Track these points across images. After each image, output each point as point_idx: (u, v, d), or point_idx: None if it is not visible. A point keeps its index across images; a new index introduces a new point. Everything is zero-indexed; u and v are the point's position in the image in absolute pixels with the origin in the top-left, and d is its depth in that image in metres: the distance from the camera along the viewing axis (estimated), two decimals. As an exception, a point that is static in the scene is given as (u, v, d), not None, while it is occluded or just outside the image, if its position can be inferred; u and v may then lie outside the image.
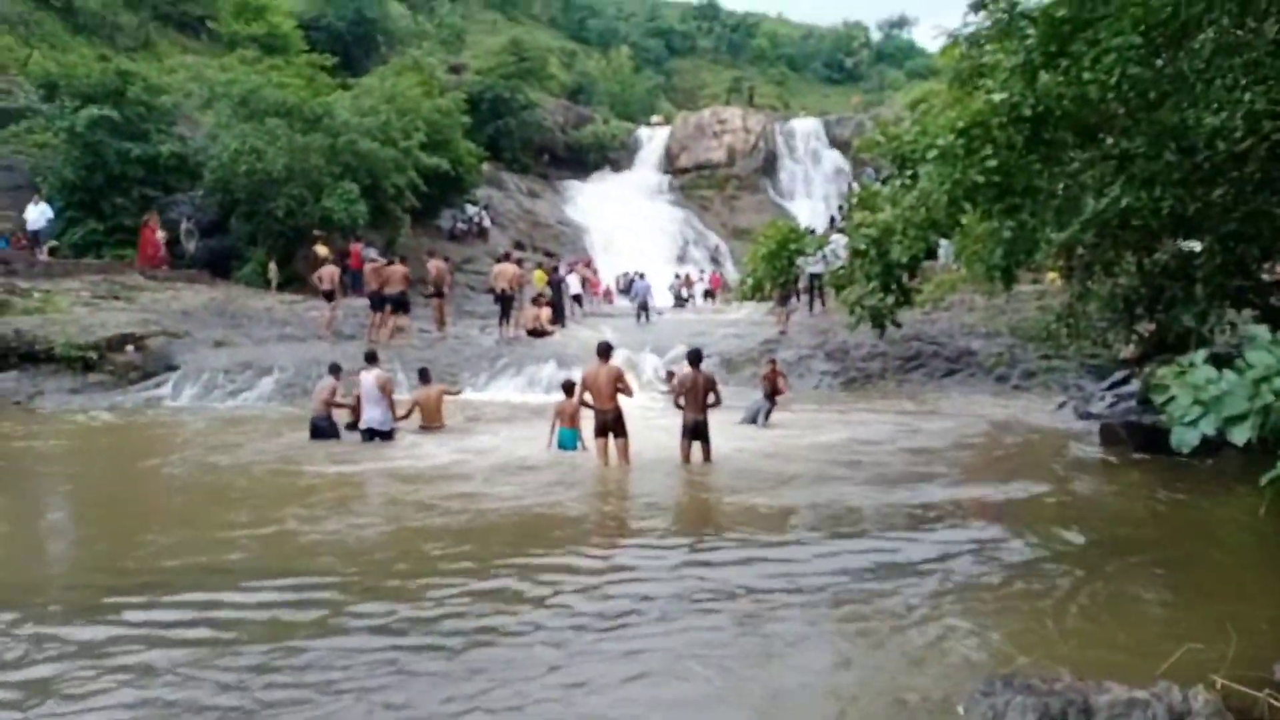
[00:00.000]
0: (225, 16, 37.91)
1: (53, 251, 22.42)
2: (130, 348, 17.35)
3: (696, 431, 10.18)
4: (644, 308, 23.85)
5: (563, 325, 21.06)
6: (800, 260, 15.85)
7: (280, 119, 24.88)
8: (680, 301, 32.10)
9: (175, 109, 25.88)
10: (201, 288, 22.48)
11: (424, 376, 13.42)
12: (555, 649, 4.94)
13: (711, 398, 10.13)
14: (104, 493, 9.71)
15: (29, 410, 15.41)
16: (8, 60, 27.80)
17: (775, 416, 13.20)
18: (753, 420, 13.11)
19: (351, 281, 24.21)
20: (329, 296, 20.13)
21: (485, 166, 36.71)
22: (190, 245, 24.95)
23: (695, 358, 10.43)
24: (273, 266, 24.98)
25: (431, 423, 12.83)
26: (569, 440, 11.22)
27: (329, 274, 20.25)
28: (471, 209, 35.24)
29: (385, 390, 12.36)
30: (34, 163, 24.25)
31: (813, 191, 44.21)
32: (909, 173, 10.37)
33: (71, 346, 16.82)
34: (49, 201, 22.66)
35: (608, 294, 32.52)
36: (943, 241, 11.31)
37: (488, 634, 5.17)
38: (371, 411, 12.31)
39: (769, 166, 45.94)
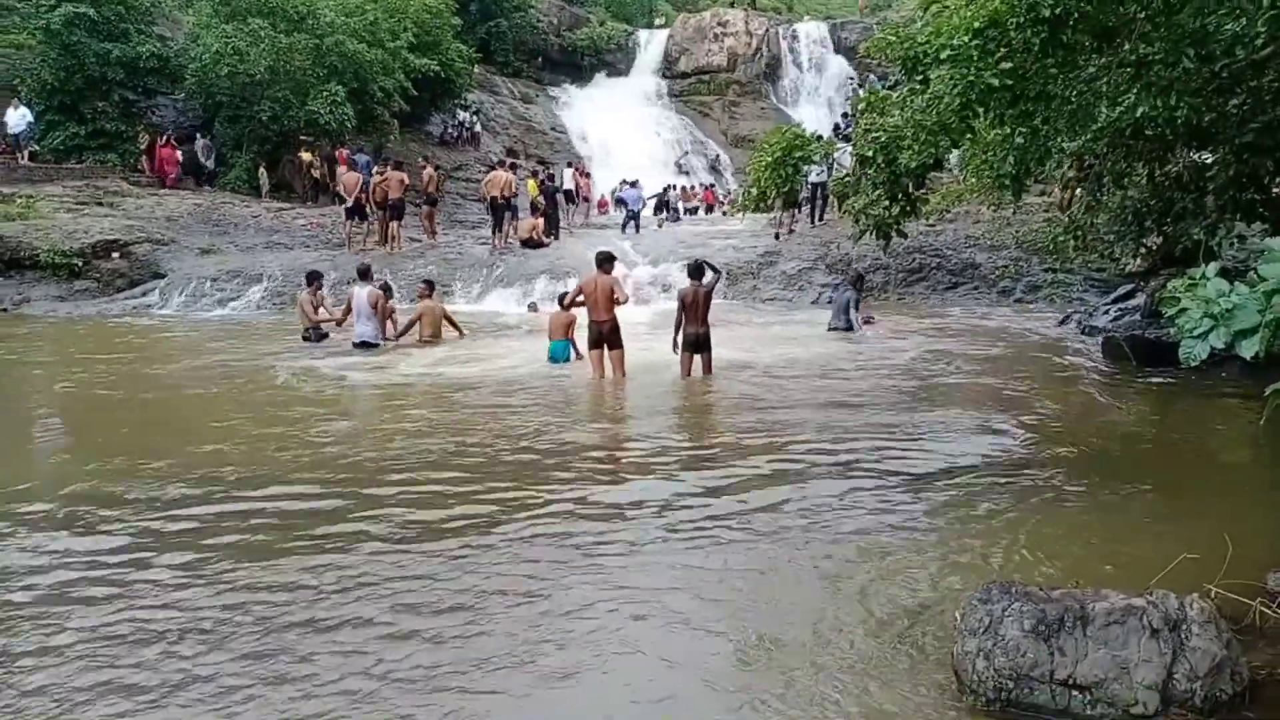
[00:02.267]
0: (205, -92, 36.34)
1: (33, 156, 21.84)
2: (116, 255, 17.06)
3: (698, 344, 10.01)
4: (633, 217, 23.39)
5: (556, 236, 20.68)
6: (804, 168, 15.43)
7: (263, 18, 24.01)
8: (665, 211, 30.14)
9: (155, 7, 24.87)
10: (187, 194, 21.99)
11: (430, 288, 13.17)
12: (535, 575, 4.82)
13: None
14: (90, 401, 9.53)
15: (15, 317, 15.18)
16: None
17: (776, 330, 13.00)
18: (848, 326, 12.96)
19: (323, 189, 24.11)
20: (355, 211, 18.86)
21: (476, 69, 35.67)
22: (209, 163, 24.38)
23: (695, 270, 10.19)
24: (263, 172, 24.48)
25: (435, 337, 12.63)
26: (560, 352, 11.06)
27: (352, 183, 18.77)
28: (463, 114, 34.38)
29: (378, 307, 12.20)
30: (10, 64, 23.42)
31: (817, 98, 43.12)
32: (919, 76, 9.93)
33: (56, 253, 16.54)
34: (28, 105, 21.99)
35: (602, 204, 31.91)
36: (951, 150, 10.92)
37: (468, 558, 5.05)
38: (363, 326, 12.19)
39: (772, 72, 44.70)
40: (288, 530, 5.42)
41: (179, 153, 23.72)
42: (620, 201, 25.92)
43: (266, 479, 6.39)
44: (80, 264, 16.66)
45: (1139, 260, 13.53)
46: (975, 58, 8.29)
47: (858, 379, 9.93)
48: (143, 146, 23.71)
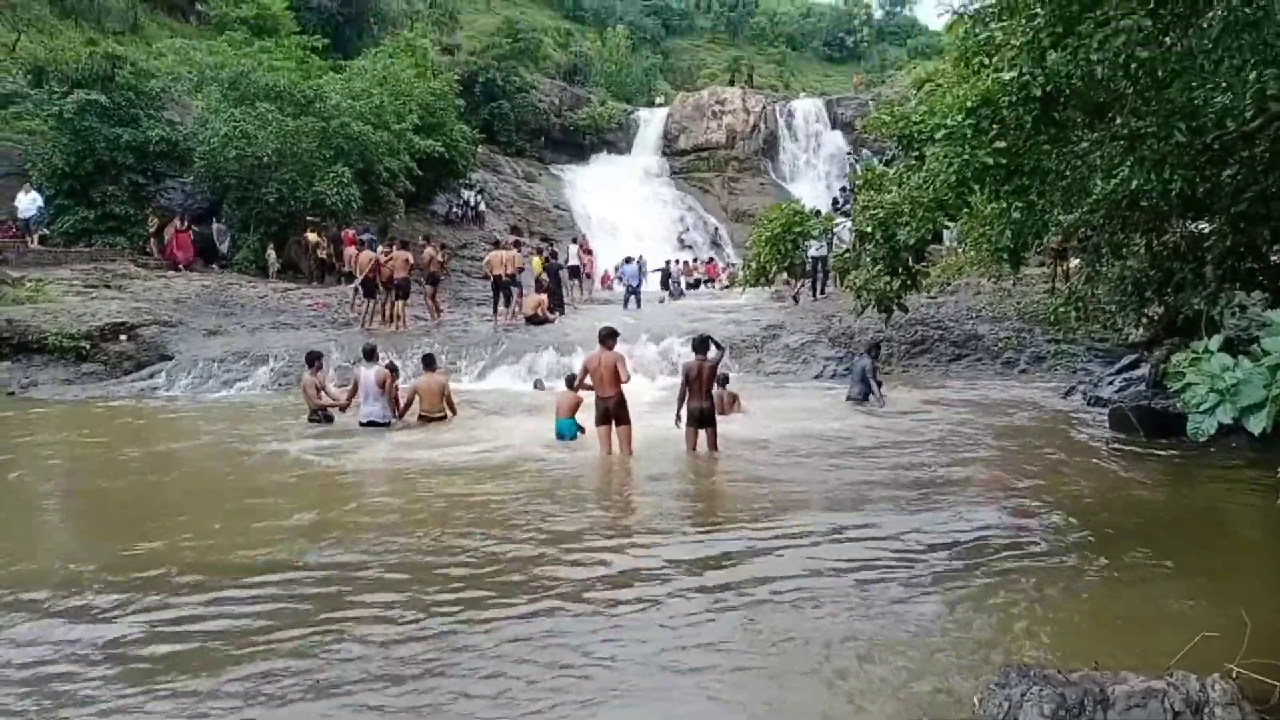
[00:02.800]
0: (215, -1, 37.49)
1: (43, 240, 22.15)
2: (123, 337, 17.17)
3: (702, 419, 10.01)
4: (634, 292, 23.58)
5: (561, 313, 20.83)
6: (804, 243, 15.62)
7: (271, 102, 24.56)
8: (670, 286, 30.53)
9: (164, 93, 25.48)
10: (195, 276, 22.24)
11: (428, 363, 13.09)
12: (561, 644, 4.76)
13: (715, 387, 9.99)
14: (96, 486, 9.49)
15: (23, 400, 15.22)
16: (-4, 47, 27.47)
17: (774, 404, 13.01)
18: (864, 398, 13.13)
19: (329, 269, 24.64)
20: (367, 288, 19.17)
21: (480, 150, 36.36)
22: (223, 246, 24.73)
23: (700, 344, 10.25)
24: (271, 253, 24.80)
25: (433, 412, 12.59)
26: (567, 429, 11.05)
27: (366, 261, 19.12)
28: (467, 193, 34.93)
29: (385, 387, 12.26)
30: (23, 150, 23.90)
31: (814, 173, 43.87)
32: (915, 153, 10.13)
33: (64, 336, 16.65)
34: (39, 189, 22.39)
35: (605, 279, 32.20)
36: (948, 225, 11.09)
37: (478, 633, 4.99)
38: (371, 406, 12.23)
39: (769, 148, 45.55)
40: (287, 620, 5.35)
41: (190, 235, 24.08)
42: (621, 277, 26.16)
43: (267, 565, 6.33)
44: (88, 347, 16.77)
45: (1141, 330, 13.59)
46: (969, 136, 8.46)
47: (868, 454, 9.89)
48: (151, 230, 24.04)
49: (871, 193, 10.87)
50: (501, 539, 6.88)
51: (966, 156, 8.53)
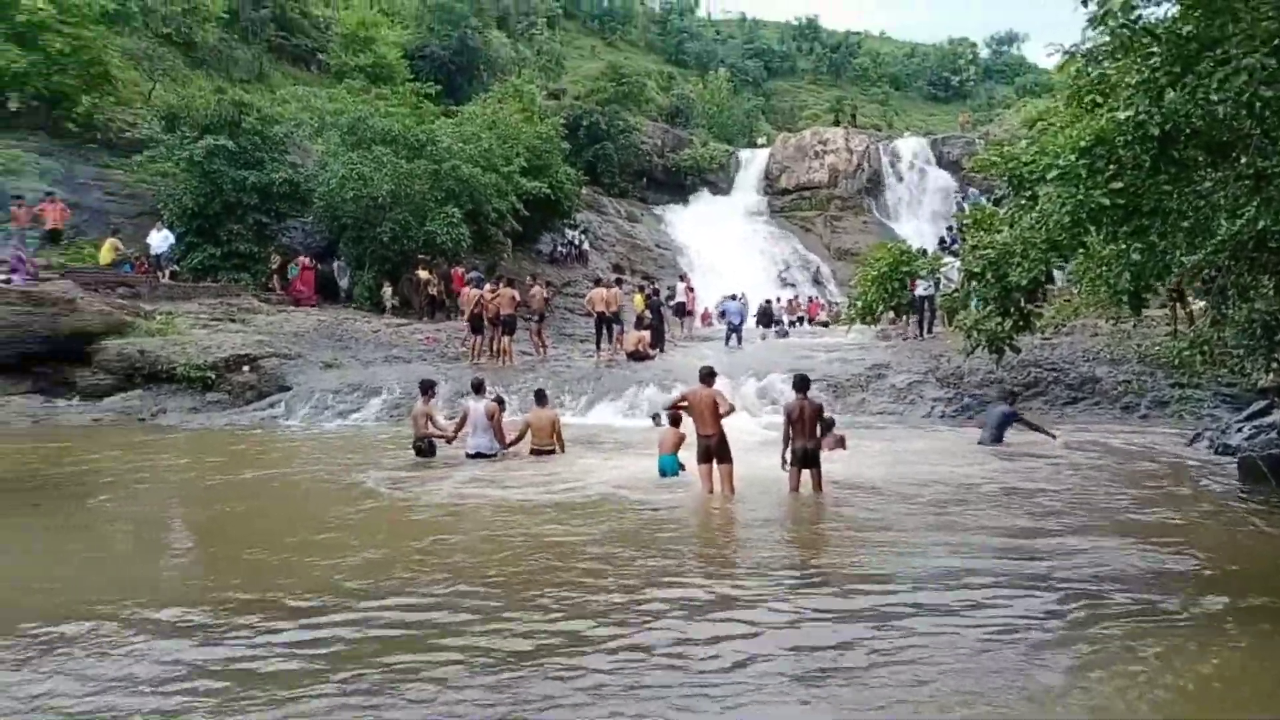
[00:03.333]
0: (335, 48, 39.37)
1: (173, 275, 23.47)
2: (246, 368, 17.99)
3: (806, 459, 9.92)
4: (735, 330, 23.56)
5: (662, 350, 20.98)
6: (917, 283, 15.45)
7: (386, 146, 25.63)
8: (769, 324, 30.55)
9: (287, 138, 26.86)
10: (312, 310, 23.21)
11: (540, 399, 13.40)
12: (637, 696, 4.76)
13: (819, 428, 9.88)
14: (217, 510, 9.94)
15: (152, 427, 16.07)
16: (134, 94, 29.33)
17: (876, 446, 12.80)
18: (996, 441, 13.02)
19: (439, 305, 25.69)
20: (474, 324, 19.78)
21: (584, 191, 37.11)
22: (343, 282, 25.83)
23: (802, 384, 10.20)
24: (387, 290, 25.72)
25: (543, 446, 12.81)
26: (669, 466, 11.08)
27: (471, 298, 19.81)
28: (571, 232, 35.63)
29: (494, 419, 12.53)
30: (156, 190, 25.46)
31: (919, 212, 43.27)
32: (1026, 193, 9.92)
33: (191, 367, 17.57)
34: (170, 227, 23.76)
35: (705, 317, 32.31)
36: (1062, 265, 10.81)
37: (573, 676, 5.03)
38: (479, 439, 12.51)
39: (873, 187, 45.17)
40: (405, 641, 5.50)
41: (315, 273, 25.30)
42: (723, 314, 26.18)
43: (383, 590, 6.52)
44: (213, 377, 17.66)
45: (1272, 375, 12.92)
46: (1084, 176, 8.25)
47: (988, 499, 9.61)
48: (273, 266, 25.23)
49: (981, 233, 10.68)
50: (594, 576, 6.92)
51: (1081, 197, 8.32)
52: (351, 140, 26.30)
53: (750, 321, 28.89)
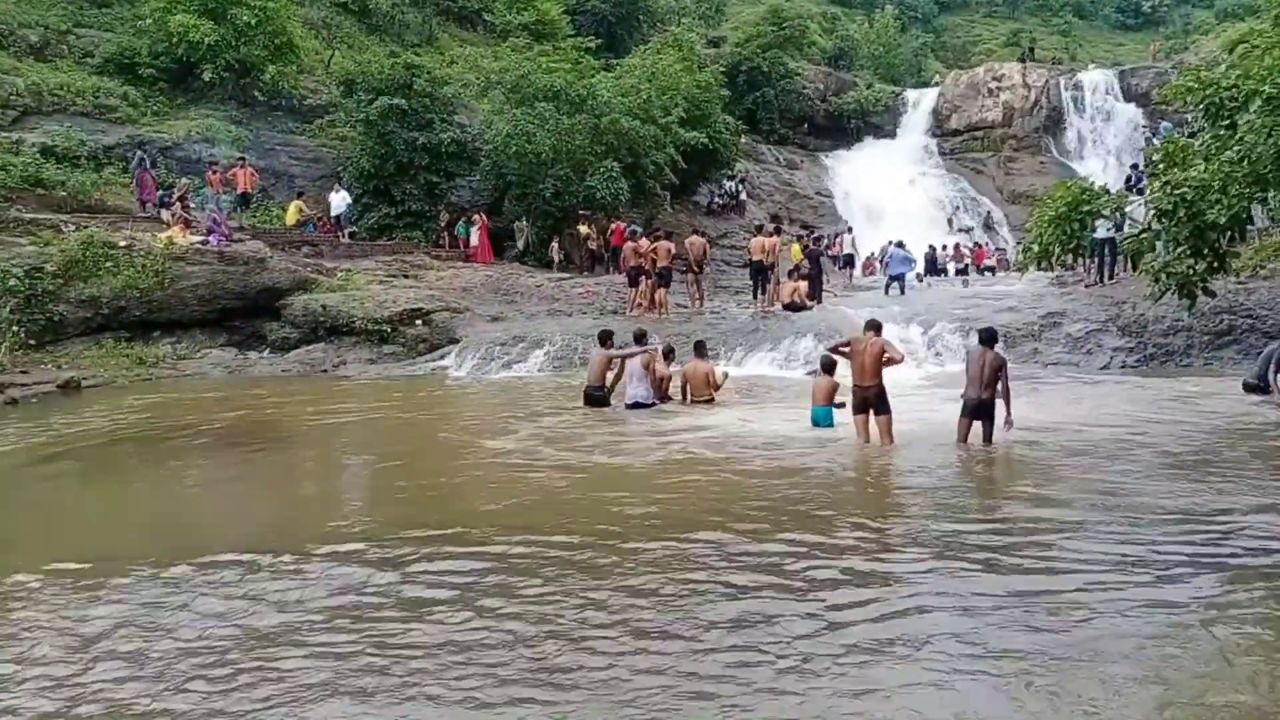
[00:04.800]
0: (499, 7, 40.08)
1: (352, 235, 24.76)
2: (419, 322, 18.88)
3: (979, 411, 9.49)
4: (896, 279, 22.76)
5: (819, 301, 20.54)
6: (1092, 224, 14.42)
7: (548, 102, 26.03)
8: (934, 271, 29.90)
9: (455, 98, 27.72)
10: (479, 266, 24.01)
11: (699, 350, 13.53)
12: (800, 648, 4.72)
13: (1000, 384, 9.40)
14: (400, 450, 10.51)
15: (335, 378, 17.13)
16: (315, 62, 30.88)
17: (1049, 395, 12.11)
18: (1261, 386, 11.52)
19: (599, 259, 25.95)
20: (631, 276, 19.77)
21: (743, 139, 36.55)
22: (520, 242, 26.63)
23: (989, 337, 9.76)
24: (554, 246, 26.28)
25: (699, 395, 12.93)
26: (822, 417, 10.88)
27: (629, 251, 19.69)
28: (729, 183, 35.24)
29: (650, 369, 12.69)
30: (336, 154, 26.88)
31: (1103, 150, 40.37)
32: (1225, 123, 9.05)
33: (369, 320, 18.58)
34: (348, 189, 25.04)
35: (868, 266, 31.39)
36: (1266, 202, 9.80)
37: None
38: (636, 388, 12.70)
39: (1052, 124, 42.37)
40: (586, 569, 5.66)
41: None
42: (886, 262, 25.36)
43: (548, 527, 6.72)
44: (389, 330, 18.62)
45: None
46: (1296, 99, 7.47)
47: (1138, 465, 8.91)
48: (443, 224, 26.22)
49: (1173, 168, 9.84)
50: (746, 527, 6.89)
51: (1292, 122, 7.55)
52: (515, 98, 26.90)
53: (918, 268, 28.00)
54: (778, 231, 21.94)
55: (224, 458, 10.74)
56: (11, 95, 23.25)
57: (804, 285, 20.08)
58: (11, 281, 16.88)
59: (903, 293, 22.11)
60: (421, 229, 26.08)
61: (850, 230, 27.66)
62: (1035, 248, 12.98)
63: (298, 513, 8.16)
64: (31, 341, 16.80)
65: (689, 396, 12.99)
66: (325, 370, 17.67)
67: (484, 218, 25.95)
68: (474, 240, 25.54)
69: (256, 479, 9.76)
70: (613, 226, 25.69)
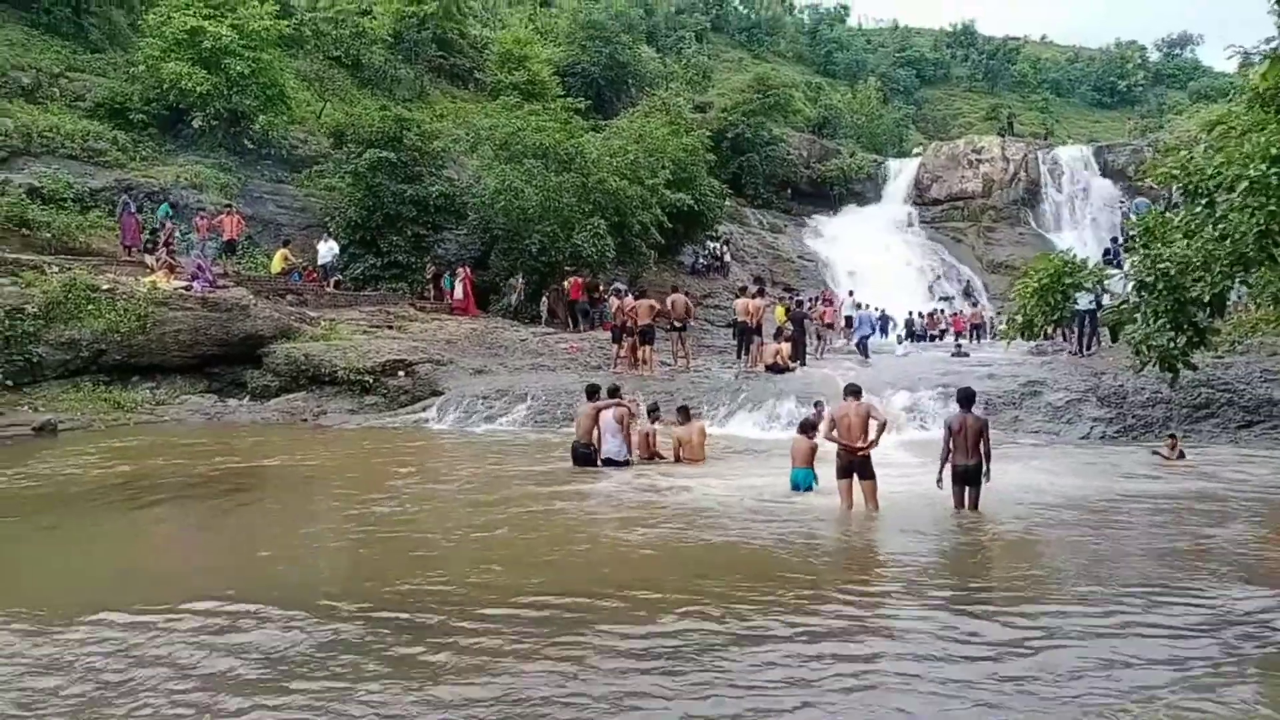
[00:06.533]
0: (490, 67, 40.73)
1: (338, 284, 24.75)
2: (402, 373, 18.76)
3: (967, 477, 9.51)
4: (862, 341, 22.93)
5: (803, 362, 20.63)
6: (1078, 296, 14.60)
7: (537, 160, 26.34)
8: (914, 338, 30.69)
9: (444, 153, 28.01)
10: (464, 319, 24.01)
11: (684, 414, 13.55)
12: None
13: (983, 445, 9.44)
14: (374, 508, 10.34)
15: (315, 428, 16.96)
16: (306, 113, 31.16)
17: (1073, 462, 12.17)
18: None
19: (583, 315, 26.10)
20: (615, 333, 19.85)
21: (728, 202, 37.05)
22: (512, 299, 26.57)
23: (966, 399, 9.82)
24: (544, 301, 26.36)
25: (695, 458, 12.94)
26: (803, 479, 10.85)
27: (624, 307, 19.74)
28: (713, 244, 35.64)
29: (623, 424, 12.66)
30: (324, 204, 26.98)
31: (1080, 223, 41.23)
32: (1204, 201, 9.25)
33: (352, 371, 18.46)
34: (335, 239, 25.08)
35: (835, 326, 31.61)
36: (1248, 282, 10.03)
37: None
38: (610, 443, 12.63)
39: (1030, 197, 43.32)
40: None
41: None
42: (848, 324, 25.55)
43: (541, 588, 6.63)
44: (371, 380, 18.49)
45: None
46: (1276, 185, 7.67)
47: (1129, 531, 8.98)
48: (428, 276, 26.28)
49: (1155, 242, 10.01)
50: (726, 592, 6.84)
51: (1273, 207, 7.75)
52: (504, 154, 27.18)
53: (899, 334, 28.39)
54: (761, 293, 22.15)
55: (193, 507, 10.59)
56: (1, 136, 23.24)
57: (787, 347, 20.17)
58: (-9, 321, 16.68)
59: (865, 355, 22.22)
60: (407, 280, 26.14)
61: (851, 294, 28.39)
62: (1019, 318, 13.11)
63: (262, 565, 7.98)
64: (9, 382, 16.53)
65: (682, 457, 12.95)
66: (305, 419, 17.49)
67: (468, 270, 26.03)
68: (458, 293, 25.59)
69: (224, 529, 9.60)
70: (570, 281, 25.85)
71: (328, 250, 24.54)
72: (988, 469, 9.48)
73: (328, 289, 24.15)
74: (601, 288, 26.29)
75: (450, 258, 27.24)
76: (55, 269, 18.61)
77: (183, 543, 9.29)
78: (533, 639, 5.66)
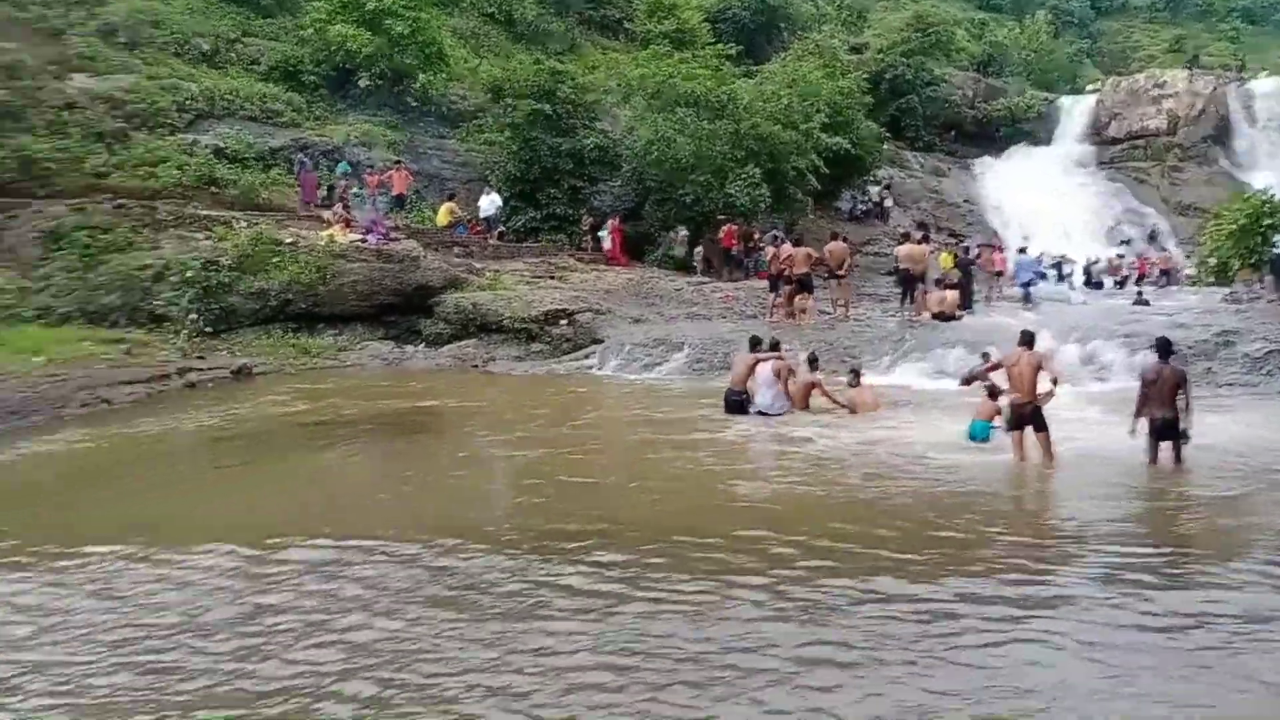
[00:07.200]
0: (640, 16, 40.49)
1: (500, 236, 25.45)
2: (563, 321, 19.26)
3: (1164, 431, 8.93)
4: (1025, 288, 21.85)
5: (970, 310, 19.90)
6: (1274, 238, 13.43)
7: (689, 109, 26.16)
8: (1092, 285, 29.05)
9: (597, 105, 28.24)
10: (621, 270, 24.31)
11: (855, 375, 13.19)
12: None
13: (1181, 398, 8.85)
14: (548, 445, 10.73)
15: (485, 374, 17.70)
16: (464, 70, 31.89)
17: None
18: None
19: (738, 264, 25.90)
20: (772, 282, 19.84)
21: (887, 146, 35.84)
22: (675, 250, 26.61)
23: (1164, 347, 9.24)
24: (698, 251, 26.33)
25: (825, 406, 12.67)
26: (980, 431, 10.49)
27: (780, 255, 19.62)
28: (872, 189, 34.61)
29: (780, 376, 12.53)
30: (484, 158, 27.71)
31: (1278, 161, 37.73)
32: None
33: (517, 319, 19.11)
34: (497, 192, 25.75)
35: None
36: None
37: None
38: (764, 395, 12.53)
39: (1221, 134, 39.83)
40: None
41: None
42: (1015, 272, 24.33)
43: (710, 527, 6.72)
44: (535, 329, 19.09)
45: None
46: None
47: None
48: (585, 228, 26.66)
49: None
50: (891, 538, 6.72)
51: None
52: (656, 104, 27.12)
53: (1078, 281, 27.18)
54: (926, 239, 21.44)
55: (376, 444, 11.29)
56: (187, 100, 24.84)
57: (953, 295, 19.49)
58: (190, 273, 18.10)
59: (1028, 302, 21.22)
60: (565, 232, 26.62)
61: (1026, 240, 27.46)
62: (1212, 261, 12.25)
63: (442, 500, 8.39)
64: (208, 329, 17.97)
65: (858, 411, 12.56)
66: (475, 365, 18.22)
67: (617, 221, 26.17)
68: (606, 244, 25.83)
69: (406, 466, 10.18)
70: (724, 230, 25.57)
71: (490, 203, 25.23)
72: (1187, 425, 8.88)
73: (491, 241, 24.86)
74: (756, 236, 26.01)
75: (605, 209, 27.51)
76: (243, 224, 19.89)
77: (369, 477, 9.89)
78: (669, 579, 5.74)
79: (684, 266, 26.05)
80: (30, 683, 4.56)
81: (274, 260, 18.88)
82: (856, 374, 13.27)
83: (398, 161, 25.16)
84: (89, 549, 6.56)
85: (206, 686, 4.49)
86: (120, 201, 19.81)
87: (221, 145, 23.98)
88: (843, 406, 12.61)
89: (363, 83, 27.63)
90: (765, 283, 21.32)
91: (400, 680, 4.46)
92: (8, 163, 20.36)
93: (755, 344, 13.23)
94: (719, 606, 5.29)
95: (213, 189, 22.43)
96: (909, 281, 19.26)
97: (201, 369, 15.89)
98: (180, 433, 11.68)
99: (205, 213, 20.44)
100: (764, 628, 4.97)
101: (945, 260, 21.35)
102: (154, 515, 7.83)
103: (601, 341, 18.36)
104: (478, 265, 21.86)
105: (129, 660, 4.77)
